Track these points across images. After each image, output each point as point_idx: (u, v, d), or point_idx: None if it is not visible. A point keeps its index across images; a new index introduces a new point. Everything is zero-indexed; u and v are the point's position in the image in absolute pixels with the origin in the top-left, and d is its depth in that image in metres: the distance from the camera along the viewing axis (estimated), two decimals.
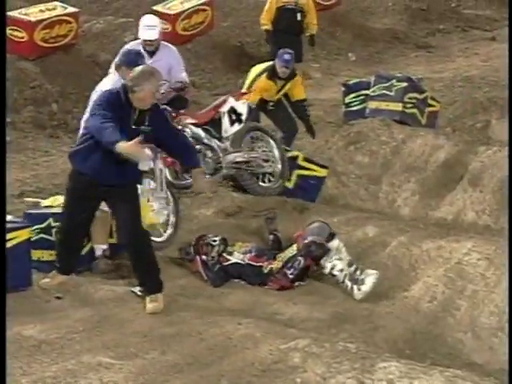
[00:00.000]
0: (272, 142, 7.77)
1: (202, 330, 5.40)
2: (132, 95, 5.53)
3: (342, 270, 6.16)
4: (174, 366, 4.95)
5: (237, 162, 7.47)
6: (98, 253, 6.30)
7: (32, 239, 6.25)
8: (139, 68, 5.66)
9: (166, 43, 7.79)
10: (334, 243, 6.25)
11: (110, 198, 5.72)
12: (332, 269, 6.18)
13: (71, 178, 5.80)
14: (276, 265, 6.32)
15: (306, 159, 8.04)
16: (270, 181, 7.75)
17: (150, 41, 7.54)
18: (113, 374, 4.80)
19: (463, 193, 7.84)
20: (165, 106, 6.86)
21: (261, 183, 7.70)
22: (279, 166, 7.71)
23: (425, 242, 6.58)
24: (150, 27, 7.58)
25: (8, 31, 10.40)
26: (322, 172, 8.04)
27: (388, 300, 6.10)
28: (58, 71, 10.30)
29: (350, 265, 6.20)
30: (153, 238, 6.15)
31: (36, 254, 6.30)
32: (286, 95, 8.62)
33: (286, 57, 8.39)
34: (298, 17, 10.23)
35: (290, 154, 7.96)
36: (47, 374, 4.76)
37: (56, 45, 10.58)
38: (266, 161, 7.72)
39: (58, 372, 4.78)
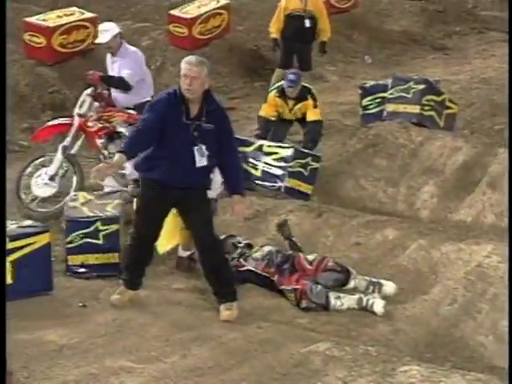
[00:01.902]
0: None
1: (222, 334, 5.40)
2: (181, 85, 5.48)
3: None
4: (194, 370, 4.96)
5: None
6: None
7: (74, 244, 6.33)
8: None
9: (130, 47, 8.04)
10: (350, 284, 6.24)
11: (181, 203, 5.65)
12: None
13: (142, 186, 5.75)
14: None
15: (271, 146, 8.09)
16: None
17: (101, 44, 7.93)
18: (134, 377, 4.82)
19: (482, 195, 7.80)
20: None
21: None
22: None
23: (444, 245, 6.55)
24: (101, 31, 7.98)
25: (26, 37, 10.49)
26: None
27: (408, 303, 6.07)
28: (76, 76, 10.32)
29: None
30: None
31: (79, 259, 6.39)
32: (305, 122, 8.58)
33: (291, 77, 8.41)
34: (307, 23, 9.90)
35: (256, 145, 8.05)
36: (69, 378, 4.78)
37: (74, 50, 10.63)
38: None
39: (79, 376, 4.80)
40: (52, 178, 7.49)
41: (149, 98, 7.81)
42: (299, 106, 8.52)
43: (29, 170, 7.60)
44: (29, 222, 6.15)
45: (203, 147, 5.51)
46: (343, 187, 8.25)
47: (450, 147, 8.37)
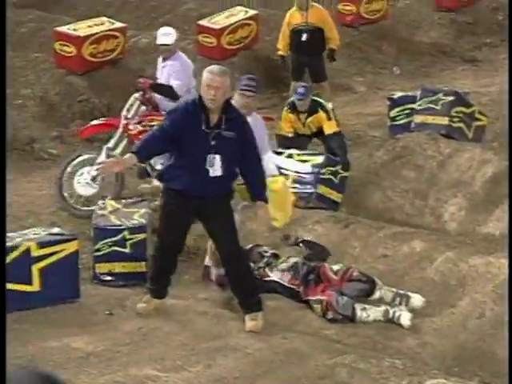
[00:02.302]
0: None
1: (248, 344, 5.39)
2: (203, 95, 5.50)
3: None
4: (219, 380, 4.96)
5: None
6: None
7: (102, 252, 6.36)
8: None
9: (182, 55, 8.22)
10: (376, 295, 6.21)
11: (202, 212, 5.63)
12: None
13: (164, 195, 5.75)
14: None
15: (301, 154, 8.12)
16: None
17: (160, 45, 8.14)
18: None
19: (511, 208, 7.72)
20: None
21: None
22: None
23: (472, 258, 6.49)
24: (162, 34, 8.17)
25: (57, 46, 10.60)
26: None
27: (435, 316, 6.03)
28: (106, 85, 10.43)
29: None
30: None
31: (106, 267, 6.44)
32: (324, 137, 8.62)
33: (300, 90, 8.51)
34: (303, 37, 9.88)
35: (285, 153, 8.11)
36: None
37: (103, 59, 10.71)
38: None
39: None
40: (94, 179, 7.64)
41: None
42: (311, 119, 8.57)
43: (68, 170, 7.77)
44: (57, 230, 6.20)
45: (217, 157, 5.48)
46: (370, 198, 8.21)
47: (478, 159, 8.30)
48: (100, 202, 7.10)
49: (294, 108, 8.58)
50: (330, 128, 8.53)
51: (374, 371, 4.98)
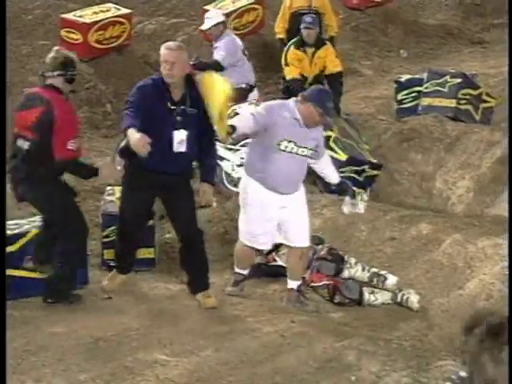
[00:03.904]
0: None
1: (256, 328, 5.42)
2: (162, 71, 5.49)
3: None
4: (227, 363, 4.99)
5: None
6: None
7: (110, 239, 6.39)
8: None
9: (230, 34, 8.55)
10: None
11: (165, 190, 5.61)
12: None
13: (125, 171, 5.71)
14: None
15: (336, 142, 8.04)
16: None
17: (204, 30, 8.63)
18: (168, 370, 4.86)
19: None
20: None
21: None
22: None
23: (480, 240, 6.50)
24: (206, 18, 8.51)
25: (63, 33, 10.58)
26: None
27: (443, 298, 6.05)
28: (112, 72, 10.42)
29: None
30: None
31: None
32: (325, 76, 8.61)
33: (308, 19, 8.57)
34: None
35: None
36: (104, 371, 4.83)
37: (110, 46, 10.69)
38: None
39: (115, 369, 4.85)
40: None
41: (243, 85, 8.22)
42: (319, 52, 8.61)
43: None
44: None
45: (184, 133, 5.51)
46: (377, 182, 8.20)
47: (486, 141, 8.29)
48: (108, 188, 7.10)
49: (301, 43, 8.59)
50: (335, 66, 8.66)
51: (381, 353, 5.00)
